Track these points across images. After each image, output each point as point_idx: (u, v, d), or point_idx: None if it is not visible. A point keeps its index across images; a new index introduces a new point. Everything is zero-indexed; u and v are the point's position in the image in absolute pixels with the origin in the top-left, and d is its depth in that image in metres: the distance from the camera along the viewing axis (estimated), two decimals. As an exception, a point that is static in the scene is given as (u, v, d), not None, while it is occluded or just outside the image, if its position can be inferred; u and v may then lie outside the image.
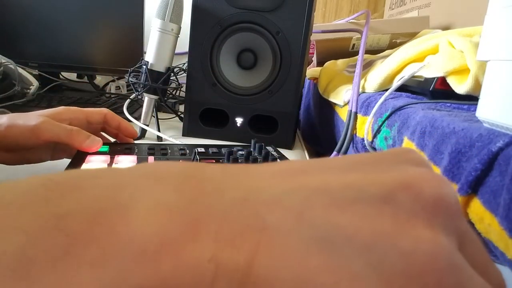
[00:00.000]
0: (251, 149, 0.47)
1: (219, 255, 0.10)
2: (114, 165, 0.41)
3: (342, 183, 0.12)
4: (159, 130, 0.65)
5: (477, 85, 0.38)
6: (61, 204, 0.11)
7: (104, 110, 0.47)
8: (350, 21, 0.89)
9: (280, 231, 0.11)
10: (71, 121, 0.42)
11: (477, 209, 0.27)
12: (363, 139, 0.53)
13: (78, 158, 0.41)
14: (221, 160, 0.44)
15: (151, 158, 0.43)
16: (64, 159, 0.45)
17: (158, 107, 0.70)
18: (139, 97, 0.67)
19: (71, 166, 0.39)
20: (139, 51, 0.90)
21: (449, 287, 0.11)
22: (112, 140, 0.49)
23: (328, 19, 1.69)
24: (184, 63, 0.83)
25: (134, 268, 0.10)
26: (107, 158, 0.42)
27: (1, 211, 0.10)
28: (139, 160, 0.42)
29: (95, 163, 0.41)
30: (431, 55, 0.49)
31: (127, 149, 0.46)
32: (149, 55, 0.64)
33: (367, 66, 0.69)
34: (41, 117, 0.38)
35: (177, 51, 0.67)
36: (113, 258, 0.10)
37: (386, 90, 0.52)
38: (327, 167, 0.13)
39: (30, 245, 0.10)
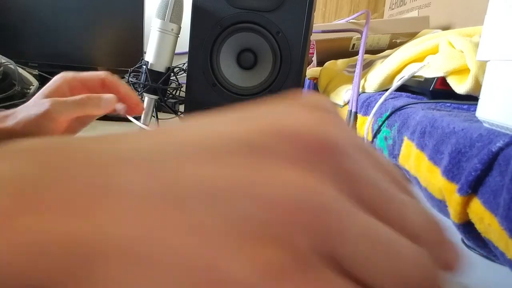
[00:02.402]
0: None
1: (58, 228, 0.09)
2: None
3: (210, 134, 0.11)
4: (159, 130, 0.65)
5: (477, 85, 0.38)
6: None
7: (102, 73, 0.43)
8: (350, 21, 0.89)
9: (127, 192, 0.09)
10: (71, 92, 0.40)
11: (477, 209, 0.27)
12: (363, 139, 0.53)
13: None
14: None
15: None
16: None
17: (158, 107, 0.70)
18: (139, 97, 0.67)
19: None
20: (139, 51, 0.90)
21: (312, 231, 0.10)
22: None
23: (328, 19, 1.69)
24: (184, 63, 0.83)
25: None
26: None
27: None
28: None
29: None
30: (431, 55, 0.49)
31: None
32: (149, 55, 0.64)
33: (367, 66, 0.69)
34: (46, 101, 0.37)
35: (177, 51, 0.67)
36: None
37: (386, 90, 0.52)
38: (211, 121, 0.12)
39: None
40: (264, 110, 0.13)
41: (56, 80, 0.41)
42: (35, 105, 0.37)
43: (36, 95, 0.39)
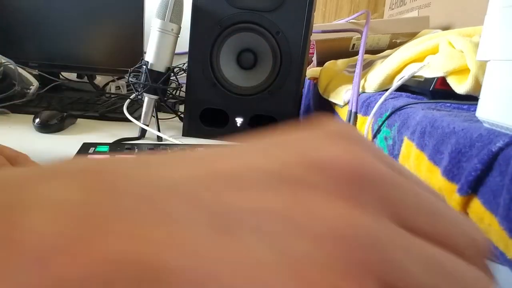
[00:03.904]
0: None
1: (118, 255, 0.10)
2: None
3: (248, 166, 0.11)
4: (159, 130, 0.65)
5: (477, 85, 0.38)
6: None
7: None
8: (350, 21, 0.89)
9: (175, 219, 0.10)
10: None
11: (477, 209, 0.27)
12: (363, 139, 0.53)
13: (79, 156, 0.41)
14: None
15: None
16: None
17: (158, 107, 0.70)
18: (139, 97, 0.67)
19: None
20: (139, 51, 0.90)
21: (372, 266, 0.10)
22: None
23: (328, 19, 1.69)
24: (184, 63, 0.83)
25: (31, 271, 0.09)
26: (107, 157, 0.42)
27: None
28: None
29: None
30: (431, 55, 0.49)
31: (128, 149, 0.46)
32: (149, 55, 0.64)
33: (367, 66, 0.69)
34: None
35: (177, 51, 0.67)
36: (5, 265, 0.09)
37: (386, 90, 0.52)
38: (237, 151, 0.13)
39: None
40: (294, 139, 0.13)
41: None
42: None
43: None
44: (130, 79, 0.66)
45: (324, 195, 0.11)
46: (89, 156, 0.41)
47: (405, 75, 0.50)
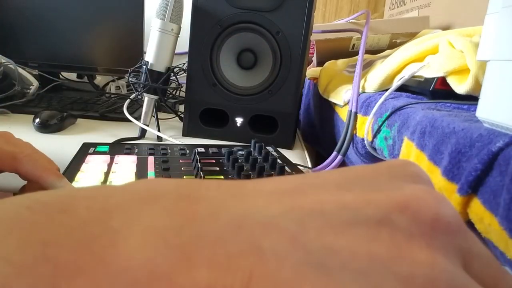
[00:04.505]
0: (251, 149, 0.47)
1: (213, 283, 0.10)
2: (114, 165, 0.41)
3: (337, 204, 0.12)
4: (159, 130, 0.65)
5: (477, 85, 0.38)
6: (48, 229, 0.10)
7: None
8: (350, 21, 0.89)
9: (274, 256, 0.10)
10: None
11: (477, 209, 0.27)
12: (363, 139, 0.53)
13: (78, 158, 0.41)
14: (221, 160, 0.44)
15: (151, 158, 0.43)
16: (63, 159, 0.45)
17: (158, 107, 0.70)
18: (139, 97, 0.67)
19: (71, 165, 0.39)
20: (139, 51, 0.90)
21: None
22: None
23: (328, 19, 1.69)
24: (184, 63, 0.83)
25: None
26: (107, 158, 0.42)
27: None
28: (139, 160, 0.42)
29: (95, 163, 0.41)
30: (431, 55, 0.49)
31: (127, 149, 0.46)
32: (149, 55, 0.64)
33: (367, 66, 0.69)
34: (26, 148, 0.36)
35: (177, 51, 0.67)
36: (106, 283, 0.10)
37: (386, 90, 0.52)
38: (322, 184, 0.13)
39: (16, 276, 0.09)
40: (370, 178, 0.14)
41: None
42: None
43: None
44: (130, 79, 0.66)
45: (410, 238, 0.11)
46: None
47: (405, 75, 0.50)
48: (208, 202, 0.12)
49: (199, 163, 0.42)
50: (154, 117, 0.67)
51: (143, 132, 0.65)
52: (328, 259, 0.11)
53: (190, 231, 0.11)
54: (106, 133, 0.67)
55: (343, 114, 0.62)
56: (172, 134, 0.69)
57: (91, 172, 0.38)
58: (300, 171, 0.47)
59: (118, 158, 0.42)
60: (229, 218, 0.11)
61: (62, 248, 0.10)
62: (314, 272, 0.10)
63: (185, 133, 0.68)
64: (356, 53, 0.72)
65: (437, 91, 0.45)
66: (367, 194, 0.12)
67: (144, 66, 0.64)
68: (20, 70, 0.77)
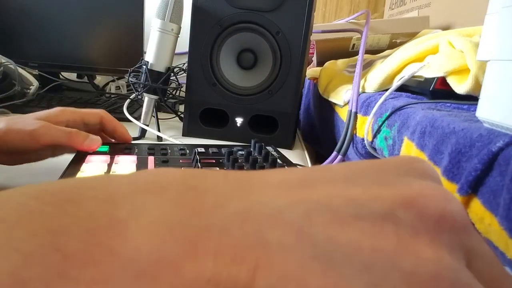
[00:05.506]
0: (251, 149, 0.47)
1: (219, 274, 0.10)
2: (114, 165, 0.41)
3: (344, 198, 0.12)
4: (159, 130, 0.65)
5: (477, 85, 0.38)
6: (57, 219, 0.10)
7: (101, 111, 0.47)
8: (350, 21, 0.89)
9: (280, 248, 0.11)
10: (68, 123, 0.42)
11: (477, 209, 0.27)
12: (363, 139, 0.53)
13: (78, 158, 0.41)
14: (221, 160, 0.44)
15: (151, 158, 0.43)
16: (65, 155, 0.45)
17: (158, 107, 0.70)
18: (139, 97, 0.67)
19: (71, 165, 0.39)
20: (139, 51, 0.90)
21: None
22: (112, 140, 0.49)
23: (328, 19, 1.69)
24: (184, 63, 0.83)
25: (140, 283, 0.10)
26: (107, 158, 0.42)
27: None
28: (139, 160, 0.42)
29: (95, 163, 0.41)
30: (431, 55, 0.49)
31: (127, 149, 0.46)
32: (149, 55, 0.64)
33: (367, 66, 0.69)
34: (39, 121, 0.38)
35: (177, 51, 0.67)
36: (112, 279, 0.10)
37: (386, 90, 0.52)
38: (330, 178, 0.13)
39: (26, 266, 0.09)
40: (378, 173, 0.14)
41: (56, 110, 0.42)
42: (25, 121, 0.38)
43: (30, 114, 0.40)
44: (130, 79, 0.66)
45: (416, 234, 0.11)
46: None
47: (405, 75, 0.50)
48: (215, 193, 0.12)
49: (199, 163, 0.42)
50: (154, 117, 0.67)
51: (143, 132, 0.65)
52: (333, 252, 0.11)
53: (197, 222, 0.11)
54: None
55: (343, 114, 0.62)
56: (172, 134, 0.69)
57: (91, 172, 0.39)
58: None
59: (118, 158, 0.42)
60: (235, 210, 0.11)
61: (70, 237, 0.10)
62: (319, 265, 0.10)
63: (185, 133, 0.68)
64: (356, 53, 0.72)
65: (437, 91, 0.45)
66: (374, 189, 0.12)
67: (144, 66, 0.64)
68: (20, 70, 0.77)
